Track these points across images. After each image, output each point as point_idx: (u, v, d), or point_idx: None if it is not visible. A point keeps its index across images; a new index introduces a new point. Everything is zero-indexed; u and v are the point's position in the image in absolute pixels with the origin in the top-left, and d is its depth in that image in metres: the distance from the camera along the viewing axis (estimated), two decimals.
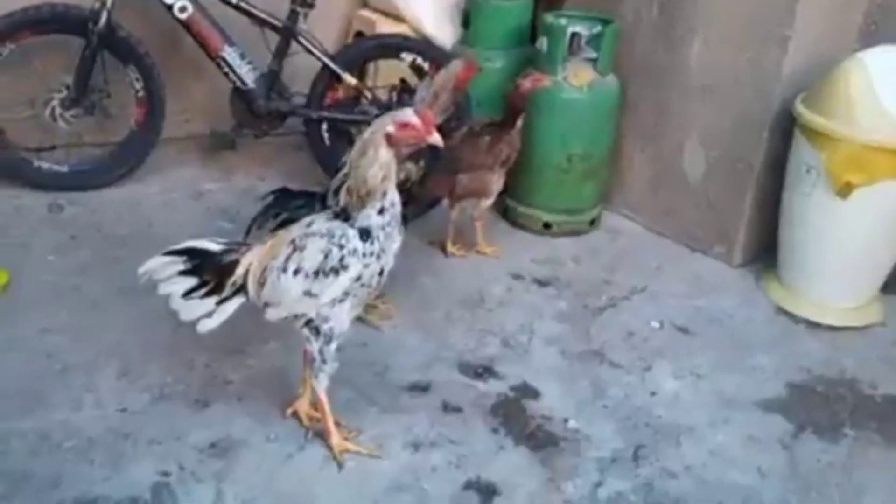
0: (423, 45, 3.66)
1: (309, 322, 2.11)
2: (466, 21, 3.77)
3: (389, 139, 1.96)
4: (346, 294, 2.05)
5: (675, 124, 3.52)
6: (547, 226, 3.60)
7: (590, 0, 3.71)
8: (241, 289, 2.12)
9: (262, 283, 2.09)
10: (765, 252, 3.39)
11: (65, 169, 3.47)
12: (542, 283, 3.23)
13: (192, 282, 2.11)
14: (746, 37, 3.20)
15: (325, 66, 3.55)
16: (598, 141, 3.53)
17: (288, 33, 3.50)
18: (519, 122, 3.16)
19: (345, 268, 2.00)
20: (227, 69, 3.50)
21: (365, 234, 2.00)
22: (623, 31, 3.55)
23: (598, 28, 3.41)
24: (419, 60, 3.62)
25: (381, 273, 2.07)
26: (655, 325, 3.02)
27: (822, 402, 2.69)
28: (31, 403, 2.31)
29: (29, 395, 2.34)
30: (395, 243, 2.08)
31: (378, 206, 2.00)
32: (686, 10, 3.38)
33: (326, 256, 2.01)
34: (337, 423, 2.28)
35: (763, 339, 3.00)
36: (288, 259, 2.05)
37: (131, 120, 3.51)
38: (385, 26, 3.99)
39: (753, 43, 3.17)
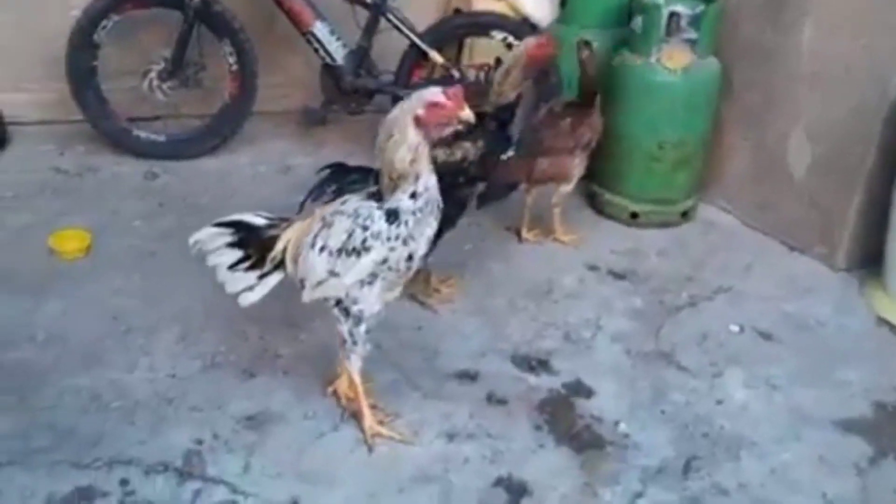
0: (514, 24, 3.55)
1: (339, 303, 2.08)
2: None
3: (418, 121, 1.89)
4: (373, 276, 2.01)
5: (781, 113, 3.26)
6: (634, 216, 3.42)
7: None
8: (281, 264, 2.12)
9: (296, 260, 2.08)
10: (872, 257, 3.09)
11: (162, 138, 3.61)
12: (618, 276, 3.08)
13: (237, 254, 2.13)
14: (862, 21, 2.91)
15: (412, 44, 3.51)
16: (694, 127, 3.31)
17: (377, 10, 3.49)
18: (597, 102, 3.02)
19: (367, 249, 1.96)
20: (316, 45, 3.53)
21: (392, 216, 1.95)
22: (728, 11, 3.32)
23: (699, 7, 3.19)
24: (510, 39, 3.52)
25: (410, 258, 2.01)
26: (735, 328, 2.82)
27: None
28: (90, 361, 2.41)
29: (90, 354, 2.45)
30: (430, 228, 2.01)
31: (410, 189, 1.94)
32: None
33: (350, 236, 1.97)
34: (374, 406, 2.26)
35: (856, 352, 2.74)
36: (316, 235, 2.03)
37: (225, 93, 3.60)
38: (482, 3, 3.88)
39: (869, 28, 2.88)
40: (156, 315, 2.64)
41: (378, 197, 2.01)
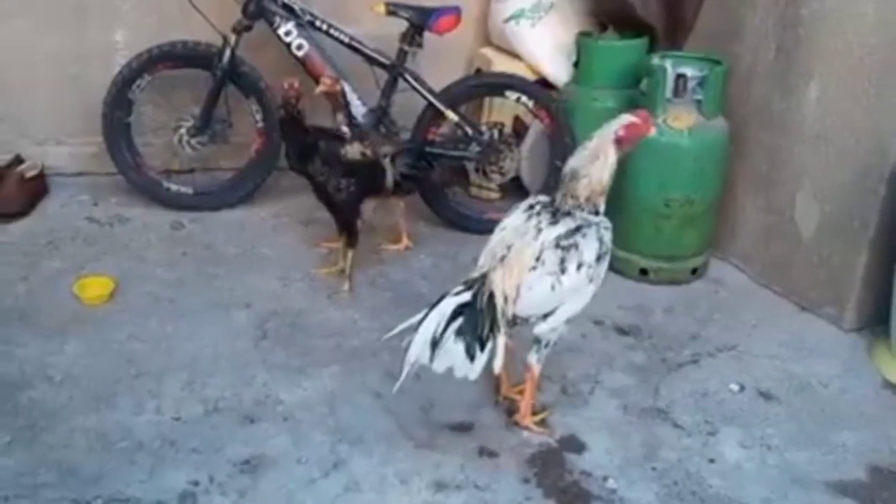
0: (526, 84, 3.67)
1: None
2: (577, 60, 3.74)
3: (619, 142, 2.28)
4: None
5: (789, 173, 3.30)
6: (644, 272, 3.47)
7: (711, 40, 3.59)
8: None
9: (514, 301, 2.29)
10: (882, 317, 3.07)
11: (190, 191, 3.78)
12: (622, 332, 3.12)
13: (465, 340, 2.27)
14: (862, 84, 2.95)
15: (429, 104, 3.64)
16: (702, 186, 3.36)
17: (395, 71, 3.63)
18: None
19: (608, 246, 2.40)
20: None
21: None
22: (740, 74, 3.40)
23: (707, 70, 3.26)
24: (524, 99, 3.64)
25: None
26: (735, 387, 2.83)
27: None
28: (101, 403, 2.53)
29: (101, 396, 2.56)
30: None
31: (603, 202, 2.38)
32: (803, 53, 3.17)
33: (601, 242, 2.37)
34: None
35: (857, 414, 2.72)
36: (564, 260, 2.31)
37: (251, 148, 3.77)
38: (502, 64, 4.01)
39: (869, 91, 2.92)
40: (166, 360, 2.76)
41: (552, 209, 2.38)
